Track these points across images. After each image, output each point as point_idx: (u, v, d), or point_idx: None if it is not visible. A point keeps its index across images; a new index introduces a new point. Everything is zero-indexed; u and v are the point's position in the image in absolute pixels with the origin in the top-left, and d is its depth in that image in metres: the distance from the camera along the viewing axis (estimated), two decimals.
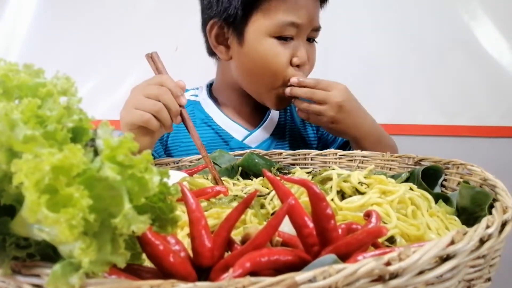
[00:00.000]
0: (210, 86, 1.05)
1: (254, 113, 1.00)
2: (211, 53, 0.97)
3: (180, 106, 0.73)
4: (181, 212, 0.46)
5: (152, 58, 0.78)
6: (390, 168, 0.72)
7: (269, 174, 0.40)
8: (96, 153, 0.29)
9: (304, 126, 1.05)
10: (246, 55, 0.88)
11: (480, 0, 1.57)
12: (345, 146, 1.02)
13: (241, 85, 0.95)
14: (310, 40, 0.90)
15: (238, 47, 0.88)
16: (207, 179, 0.69)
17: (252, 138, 0.97)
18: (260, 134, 0.98)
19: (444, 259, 0.29)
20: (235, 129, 0.97)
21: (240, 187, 0.67)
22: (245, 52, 0.88)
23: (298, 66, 0.86)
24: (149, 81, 0.74)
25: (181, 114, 0.74)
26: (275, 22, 0.84)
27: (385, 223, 0.45)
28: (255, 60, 0.87)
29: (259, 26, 0.85)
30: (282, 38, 0.85)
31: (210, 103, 0.99)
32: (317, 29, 0.89)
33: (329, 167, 0.76)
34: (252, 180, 0.73)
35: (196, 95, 1.03)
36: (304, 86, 0.85)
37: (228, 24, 0.88)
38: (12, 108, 0.26)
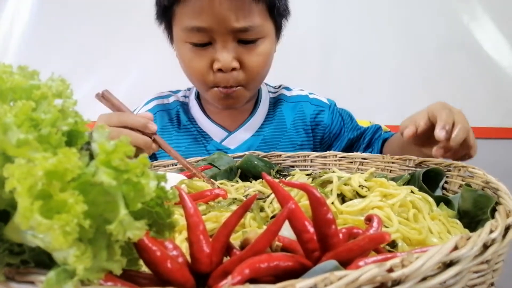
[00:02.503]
0: None
1: (237, 113, 0.98)
2: None
3: (152, 133, 0.71)
4: (179, 215, 0.46)
5: (104, 97, 0.73)
6: (391, 170, 0.72)
7: (268, 177, 0.39)
8: (91, 156, 0.28)
9: (295, 129, 1.01)
10: (178, 59, 0.89)
11: (480, 1, 1.57)
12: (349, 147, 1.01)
13: None
14: (246, 42, 0.82)
15: (175, 50, 0.90)
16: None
17: (231, 140, 0.95)
18: (239, 136, 0.96)
19: (448, 265, 0.29)
20: (215, 131, 0.97)
21: (241, 189, 0.66)
22: (177, 54, 0.89)
23: (221, 70, 0.82)
24: (109, 121, 0.69)
25: (155, 141, 0.72)
26: (183, 28, 0.81)
27: (386, 227, 0.45)
28: (180, 63, 0.88)
29: (176, 32, 0.85)
30: (197, 45, 0.82)
31: (195, 105, 0.99)
32: (242, 29, 0.80)
33: (329, 169, 0.76)
34: (251, 182, 0.72)
35: (186, 96, 1.03)
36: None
37: (165, 28, 0.90)
38: (6, 111, 0.26)
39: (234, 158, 0.81)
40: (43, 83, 0.30)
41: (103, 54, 1.58)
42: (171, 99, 1.01)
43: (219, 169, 0.78)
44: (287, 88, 1.06)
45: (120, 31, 1.59)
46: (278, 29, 0.89)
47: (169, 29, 0.89)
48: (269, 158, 0.81)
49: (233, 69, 0.82)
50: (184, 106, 1.01)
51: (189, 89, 1.04)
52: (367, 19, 1.59)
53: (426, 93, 1.60)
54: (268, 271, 0.30)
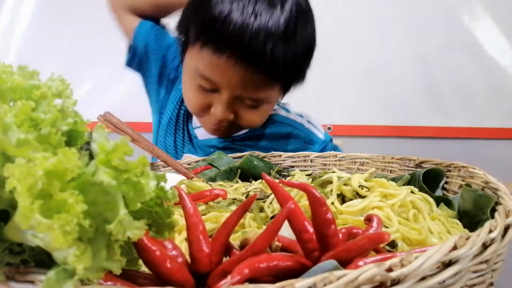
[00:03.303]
0: None
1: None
2: None
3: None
4: (179, 216, 0.46)
5: (106, 119, 0.74)
6: (391, 171, 0.72)
7: (268, 177, 0.39)
8: (91, 156, 0.28)
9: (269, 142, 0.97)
10: (182, 81, 0.89)
11: (481, 1, 1.57)
12: None
13: None
14: (252, 105, 0.82)
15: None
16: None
17: (202, 131, 0.94)
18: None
19: (447, 264, 0.29)
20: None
21: (240, 189, 0.66)
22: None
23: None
24: None
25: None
26: (195, 68, 0.79)
27: (386, 227, 0.45)
28: (184, 91, 0.88)
29: (188, 60, 0.82)
30: (202, 88, 0.80)
31: None
32: (252, 99, 0.80)
33: (329, 169, 0.76)
34: (251, 182, 0.72)
35: None
36: None
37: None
38: (6, 111, 0.26)
39: (234, 158, 0.81)
40: (43, 83, 0.30)
41: (103, 54, 1.59)
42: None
43: (218, 169, 0.78)
44: (286, 109, 1.00)
45: (119, 32, 1.59)
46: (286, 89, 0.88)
47: (184, 46, 0.86)
48: (269, 159, 0.81)
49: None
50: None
51: None
52: (367, 20, 1.59)
53: (427, 93, 1.60)
54: (267, 271, 0.30)
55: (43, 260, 0.28)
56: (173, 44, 0.97)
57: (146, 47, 0.97)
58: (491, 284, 0.37)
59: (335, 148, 0.99)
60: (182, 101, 0.97)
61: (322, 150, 0.94)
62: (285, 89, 0.86)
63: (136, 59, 0.99)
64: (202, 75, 0.77)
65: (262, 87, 0.78)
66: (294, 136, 0.97)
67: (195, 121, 0.96)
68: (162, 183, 0.29)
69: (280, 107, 1.00)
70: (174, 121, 0.98)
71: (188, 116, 0.98)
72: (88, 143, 0.29)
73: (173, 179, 0.63)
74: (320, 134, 0.99)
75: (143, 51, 0.97)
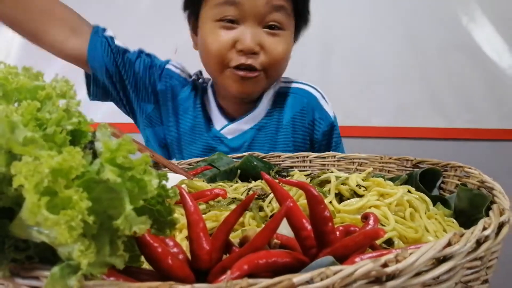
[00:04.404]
0: None
1: (244, 105, 0.98)
2: None
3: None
4: (179, 215, 0.47)
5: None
6: (389, 171, 0.72)
7: (267, 176, 0.40)
8: (94, 155, 0.29)
9: (293, 128, 0.99)
10: (199, 44, 0.91)
11: (480, 3, 1.57)
12: None
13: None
14: (272, 27, 0.86)
15: (198, 36, 0.92)
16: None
17: (229, 130, 0.96)
18: (237, 127, 0.96)
19: (441, 260, 0.30)
20: (218, 118, 0.97)
21: (240, 189, 0.66)
22: (198, 40, 0.91)
23: (242, 51, 0.84)
24: None
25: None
26: (214, 3, 0.84)
27: (383, 225, 0.45)
28: (201, 46, 0.90)
29: (204, 13, 0.87)
30: (224, 21, 0.84)
31: (210, 92, 1.00)
32: (275, 9, 0.85)
33: (328, 169, 0.76)
34: (250, 183, 0.73)
35: (205, 82, 1.03)
36: None
37: (191, 14, 0.92)
38: (12, 111, 0.26)
39: (233, 158, 0.82)
40: (47, 84, 0.31)
41: None
42: (200, 81, 1.03)
43: (219, 169, 0.79)
44: (298, 82, 1.05)
45: (121, 31, 1.60)
46: (296, 30, 0.93)
47: (195, 14, 0.91)
48: (268, 159, 0.82)
49: (254, 53, 0.84)
50: (203, 89, 1.01)
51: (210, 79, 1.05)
52: (367, 20, 1.60)
53: (426, 94, 1.61)
54: (266, 267, 0.31)
55: (47, 256, 0.29)
56: (138, 58, 0.96)
57: (108, 71, 0.93)
58: (486, 281, 0.38)
59: (339, 141, 1.03)
60: (202, 106, 0.97)
61: (328, 133, 0.99)
62: (295, 22, 0.91)
63: (100, 87, 0.96)
64: (223, 2, 0.82)
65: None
66: (307, 110, 0.99)
67: (218, 122, 0.97)
68: (163, 182, 0.30)
69: (290, 80, 1.04)
70: (199, 127, 0.97)
71: (210, 121, 0.98)
72: (91, 142, 0.30)
73: (173, 179, 0.64)
74: (331, 113, 1.02)
75: (106, 75, 0.94)
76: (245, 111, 0.97)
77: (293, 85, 1.03)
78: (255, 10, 0.83)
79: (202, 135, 0.96)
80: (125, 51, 0.95)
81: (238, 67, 0.85)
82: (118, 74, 0.94)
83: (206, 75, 1.04)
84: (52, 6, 0.89)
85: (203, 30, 0.88)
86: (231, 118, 0.97)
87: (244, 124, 0.96)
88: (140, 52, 0.97)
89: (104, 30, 0.95)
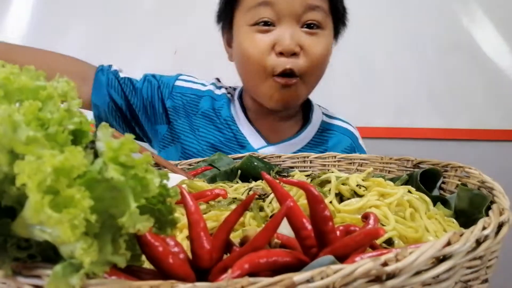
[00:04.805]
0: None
1: (282, 129, 0.95)
2: None
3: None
4: (180, 214, 0.47)
5: None
6: (389, 171, 0.73)
7: (267, 176, 0.40)
8: (95, 155, 0.29)
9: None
10: (235, 53, 0.89)
11: (480, 3, 1.58)
12: None
13: (245, 88, 0.95)
14: (311, 26, 0.83)
15: (233, 47, 0.90)
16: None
17: (268, 151, 0.91)
18: (275, 150, 0.90)
19: (441, 260, 0.30)
20: (254, 137, 0.94)
21: (240, 189, 0.67)
22: (234, 50, 0.89)
23: (282, 54, 0.80)
24: None
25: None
26: (248, 7, 0.82)
27: (383, 225, 0.45)
28: (238, 54, 0.87)
29: (239, 20, 0.86)
30: (260, 24, 0.81)
31: (237, 104, 0.97)
32: (311, 7, 0.82)
33: (328, 170, 0.76)
34: (251, 183, 0.73)
35: (231, 94, 1.01)
36: None
37: (225, 25, 0.91)
38: (14, 111, 0.27)
39: (234, 159, 0.82)
40: (49, 84, 0.31)
41: (105, 55, 1.59)
42: (222, 90, 1.00)
43: (219, 170, 0.79)
44: (338, 118, 1.04)
45: (122, 31, 1.60)
46: (335, 30, 0.91)
47: (229, 24, 0.90)
48: (268, 159, 0.82)
49: (294, 54, 0.81)
50: (228, 101, 0.98)
51: (234, 89, 1.02)
52: (366, 21, 1.60)
53: (425, 95, 1.61)
54: (267, 266, 0.31)
55: (49, 255, 0.29)
56: (144, 84, 0.95)
57: (115, 104, 0.92)
58: (486, 280, 0.38)
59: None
60: (232, 120, 0.95)
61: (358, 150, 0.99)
62: (333, 21, 0.88)
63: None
64: (260, 4, 0.80)
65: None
66: (351, 150, 0.98)
67: (253, 140, 0.94)
68: (164, 181, 0.30)
69: (336, 118, 1.03)
70: (231, 143, 0.94)
71: (243, 137, 0.94)
72: (92, 142, 0.30)
73: (174, 179, 0.64)
74: (361, 141, 1.03)
75: (113, 109, 0.92)
76: (285, 137, 0.95)
77: (336, 122, 1.02)
78: (291, 9, 0.80)
79: (235, 151, 0.92)
80: (131, 80, 0.94)
81: (279, 75, 0.82)
82: (127, 104, 0.93)
83: (224, 82, 1.03)
84: (56, 64, 0.89)
85: (239, 37, 0.86)
86: (264, 137, 0.94)
87: (284, 149, 0.92)
88: (145, 77, 0.96)
89: (110, 66, 0.94)
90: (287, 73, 0.82)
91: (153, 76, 0.97)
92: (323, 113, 1.02)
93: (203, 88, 0.99)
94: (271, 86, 0.84)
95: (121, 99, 0.92)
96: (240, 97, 0.98)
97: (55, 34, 1.62)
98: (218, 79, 1.03)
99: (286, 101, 0.87)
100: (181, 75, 1.00)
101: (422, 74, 1.60)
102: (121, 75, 0.94)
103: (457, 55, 1.58)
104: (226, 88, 1.01)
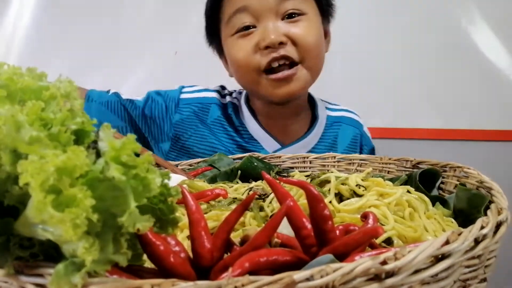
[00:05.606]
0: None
1: (293, 129, 0.95)
2: None
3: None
4: (181, 214, 0.47)
5: None
6: (388, 171, 0.73)
7: (267, 176, 0.40)
8: (98, 155, 0.30)
9: (348, 152, 0.97)
10: (229, 66, 0.91)
11: (478, 5, 1.58)
12: None
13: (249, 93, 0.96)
14: (292, 16, 0.82)
15: (228, 63, 0.91)
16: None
17: (284, 153, 0.89)
18: (292, 151, 0.89)
19: (439, 258, 0.30)
20: (267, 140, 0.93)
21: (240, 189, 0.67)
22: (228, 64, 0.91)
23: (268, 47, 0.80)
24: None
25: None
26: (228, 20, 0.84)
27: (382, 224, 0.46)
28: (231, 65, 0.89)
29: (224, 35, 0.87)
30: (242, 30, 0.83)
31: (246, 110, 0.96)
32: (287, 13, 0.81)
33: (328, 170, 0.77)
34: (251, 183, 0.73)
35: (237, 99, 1.00)
36: None
37: (216, 45, 0.93)
38: (17, 111, 0.27)
39: (234, 159, 0.83)
40: (51, 84, 0.31)
41: (105, 55, 1.60)
42: (228, 99, 0.99)
43: (219, 170, 0.79)
44: (342, 109, 1.04)
45: (123, 32, 1.60)
46: (322, 12, 0.89)
47: (218, 41, 0.91)
48: (268, 160, 0.83)
49: (281, 44, 0.80)
50: (236, 108, 0.97)
51: (239, 93, 1.01)
52: (366, 22, 1.60)
53: (425, 95, 1.61)
54: (267, 265, 0.31)
55: (51, 254, 0.29)
56: (147, 102, 0.94)
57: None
58: (484, 279, 0.39)
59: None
60: (241, 125, 0.94)
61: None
62: (317, 3, 0.87)
63: None
64: (235, 12, 0.82)
65: None
66: (358, 140, 1.00)
67: (267, 144, 0.93)
68: (166, 181, 0.30)
69: (343, 109, 1.04)
70: (245, 148, 0.94)
71: (255, 142, 0.94)
72: (94, 142, 0.30)
73: (175, 179, 0.64)
74: (369, 135, 1.05)
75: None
76: (296, 137, 0.95)
77: (341, 113, 1.03)
78: (265, 5, 0.81)
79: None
80: (132, 101, 0.94)
81: (271, 71, 0.82)
82: (131, 123, 0.93)
83: (227, 84, 1.03)
84: None
85: (227, 49, 0.87)
86: (277, 139, 0.94)
87: (298, 149, 0.91)
88: (148, 95, 0.95)
89: (108, 91, 0.96)
90: (281, 62, 0.81)
91: (157, 93, 0.96)
92: (326, 107, 1.03)
93: (209, 95, 0.98)
94: (267, 85, 0.84)
95: (122, 121, 0.93)
96: (247, 102, 0.98)
97: (57, 35, 1.62)
98: (222, 87, 1.02)
99: (289, 93, 0.85)
100: (183, 87, 0.99)
101: (421, 75, 1.61)
102: (123, 97, 0.94)
103: (456, 56, 1.59)
104: (231, 95, 1.01)
